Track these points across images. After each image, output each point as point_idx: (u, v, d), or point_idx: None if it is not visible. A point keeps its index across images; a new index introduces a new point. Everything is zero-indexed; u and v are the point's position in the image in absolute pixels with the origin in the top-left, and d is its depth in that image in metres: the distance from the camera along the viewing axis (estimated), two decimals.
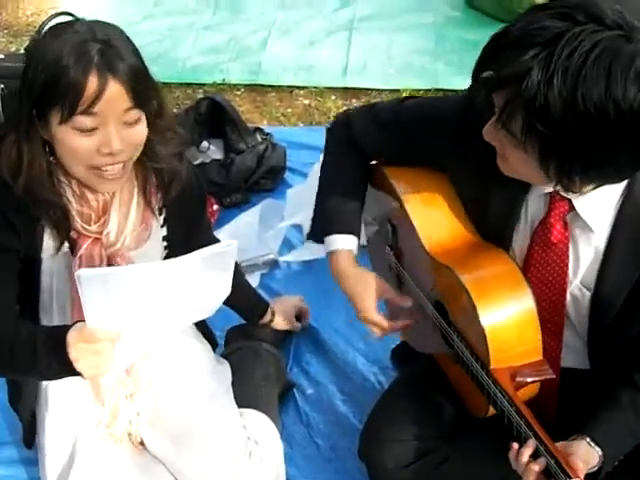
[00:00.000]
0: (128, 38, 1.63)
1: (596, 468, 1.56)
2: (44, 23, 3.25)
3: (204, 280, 1.54)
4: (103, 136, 1.58)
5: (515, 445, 1.55)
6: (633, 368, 1.65)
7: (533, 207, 1.67)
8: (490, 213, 1.72)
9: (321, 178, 1.99)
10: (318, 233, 1.92)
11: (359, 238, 1.92)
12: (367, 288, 1.86)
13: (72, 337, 1.49)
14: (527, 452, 1.53)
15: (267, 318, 2.37)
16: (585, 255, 1.64)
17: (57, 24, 1.65)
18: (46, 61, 1.55)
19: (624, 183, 1.55)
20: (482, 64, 1.48)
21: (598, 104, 1.35)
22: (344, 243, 1.88)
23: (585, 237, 1.62)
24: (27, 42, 3.51)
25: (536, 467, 1.51)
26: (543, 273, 1.67)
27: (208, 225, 2.21)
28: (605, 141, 1.39)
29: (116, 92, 1.56)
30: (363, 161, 1.92)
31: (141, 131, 1.65)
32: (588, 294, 1.66)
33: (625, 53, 1.35)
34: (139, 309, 1.50)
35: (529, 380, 1.63)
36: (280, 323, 2.41)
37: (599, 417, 1.63)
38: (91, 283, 1.42)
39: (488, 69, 1.45)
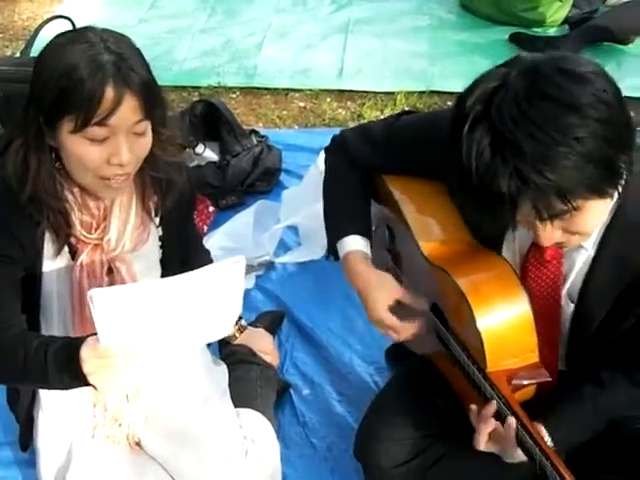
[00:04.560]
0: (138, 49, 1.65)
1: None
2: (40, 26, 3.28)
3: (214, 296, 1.56)
4: (113, 147, 1.60)
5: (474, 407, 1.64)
6: (602, 366, 1.69)
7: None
8: (479, 228, 1.74)
9: (325, 198, 1.98)
10: (334, 247, 1.90)
11: (371, 242, 1.89)
12: (381, 288, 1.82)
13: (86, 353, 1.52)
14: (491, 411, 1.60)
15: (232, 332, 2.27)
16: (575, 268, 1.65)
17: (67, 32, 1.67)
18: (60, 71, 1.57)
19: (614, 201, 1.55)
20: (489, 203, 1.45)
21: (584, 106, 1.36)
22: (355, 244, 1.85)
23: (577, 251, 1.63)
24: (22, 46, 3.54)
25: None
26: (538, 289, 1.68)
27: (194, 225, 2.21)
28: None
29: (131, 105, 1.58)
30: (364, 175, 1.92)
31: (148, 141, 1.67)
32: (572, 306, 1.68)
33: (538, 70, 1.38)
34: (151, 325, 1.52)
35: (525, 383, 1.63)
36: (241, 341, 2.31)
37: (557, 409, 1.67)
38: (103, 302, 1.44)
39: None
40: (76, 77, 1.55)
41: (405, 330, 1.82)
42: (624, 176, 1.45)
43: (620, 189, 1.49)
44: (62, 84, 1.56)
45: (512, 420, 1.56)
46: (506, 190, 1.39)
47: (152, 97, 1.63)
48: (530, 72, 1.40)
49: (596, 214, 1.49)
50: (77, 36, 1.62)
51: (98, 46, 1.58)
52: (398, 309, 1.81)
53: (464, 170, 1.42)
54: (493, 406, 1.61)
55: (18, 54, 3.59)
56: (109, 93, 1.56)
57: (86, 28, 1.66)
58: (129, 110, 1.58)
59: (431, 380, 1.91)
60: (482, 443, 1.63)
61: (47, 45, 1.65)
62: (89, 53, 1.57)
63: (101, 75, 1.55)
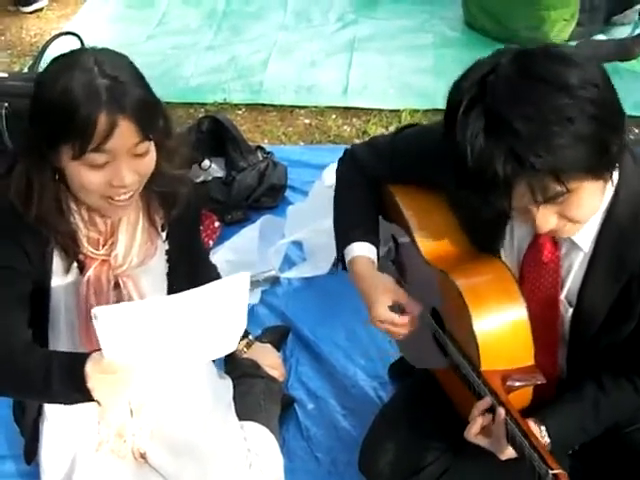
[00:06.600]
0: (135, 68, 1.65)
1: None
2: (48, 43, 3.31)
3: (218, 312, 1.56)
4: (114, 170, 1.61)
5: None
6: (604, 368, 1.69)
7: (520, 229, 1.68)
8: (477, 234, 1.76)
9: (335, 207, 2.00)
10: (342, 254, 1.91)
11: (378, 248, 1.91)
12: (382, 289, 1.81)
13: (90, 368, 1.51)
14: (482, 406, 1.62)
15: (239, 346, 2.24)
16: (573, 271, 1.66)
17: (64, 55, 1.67)
18: (56, 98, 1.57)
19: (606, 201, 1.56)
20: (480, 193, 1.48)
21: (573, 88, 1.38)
22: (361, 250, 1.86)
23: (574, 253, 1.64)
24: (30, 62, 3.56)
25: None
26: (536, 292, 1.69)
27: (201, 239, 2.23)
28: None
29: (125, 129, 1.58)
30: (372, 184, 1.95)
31: (150, 160, 1.67)
32: (570, 310, 1.69)
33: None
34: (155, 342, 1.52)
35: (517, 384, 1.64)
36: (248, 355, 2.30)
37: (556, 406, 1.68)
38: (106, 320, 1.44)
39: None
40: (71, 105, 1.56)
41: (402, 324, 1.80)
42: (617, 161, 1.47)
43: (613, 181, 1.51)
44: (58, 112, 1.57)
45: (501, 410, 1.57)
46: (502, 172, 1.39)
47: (149, 116, 1.62)
48: (520, 57, 1.43)
49: (590, 199, 1.49)
50: (72, 60, 1.62)
51: (92, 71, 1.58)
52: (397, 310, 1.81)
53: (460, 156, 1.43)
54: (487, 401, 1.61)
55: (26, 70, 3.61)
56: (102, 120, 1.56)
57: (82, 50, 1.68)
58: (125, 134, 1.58)
59: (435, 393, 1.92)
60: (472, 433, 1.63)
61: (44, 70, 1.66)
62: (82, 80, 1.57)
63: (94, 102, 1.55)
